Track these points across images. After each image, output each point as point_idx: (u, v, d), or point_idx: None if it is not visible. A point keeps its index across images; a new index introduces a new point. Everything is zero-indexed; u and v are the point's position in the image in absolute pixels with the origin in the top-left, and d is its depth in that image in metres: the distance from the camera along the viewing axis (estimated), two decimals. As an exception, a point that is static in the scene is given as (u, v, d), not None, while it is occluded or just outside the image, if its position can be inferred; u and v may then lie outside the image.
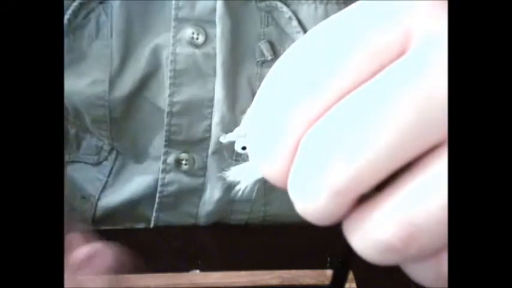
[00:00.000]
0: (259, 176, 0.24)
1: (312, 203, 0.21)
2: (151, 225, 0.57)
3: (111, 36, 0.49)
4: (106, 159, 0.57)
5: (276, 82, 0.22)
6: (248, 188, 0.25)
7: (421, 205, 0.20)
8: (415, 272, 0.22)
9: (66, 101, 0.52)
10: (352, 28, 0.21)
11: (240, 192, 0.25)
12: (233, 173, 0.25)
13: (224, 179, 0.25)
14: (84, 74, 0.50)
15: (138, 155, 0.56)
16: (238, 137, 0.25)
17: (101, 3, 0.49)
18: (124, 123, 0.53)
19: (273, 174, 0.22)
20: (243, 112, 0.24)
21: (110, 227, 0.58)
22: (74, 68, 0.50)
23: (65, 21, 0.48)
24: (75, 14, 0.49)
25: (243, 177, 0.25)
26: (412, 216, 0.20)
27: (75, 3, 0.48)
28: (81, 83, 0.51)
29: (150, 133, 0.54)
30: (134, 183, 0.57)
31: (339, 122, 0.20)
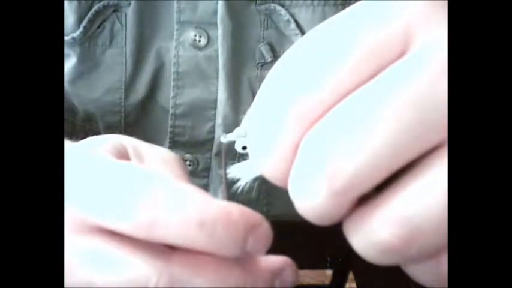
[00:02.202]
0: (258, 173, 0.24)
1: (311, 202, 0.21)
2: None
3: (125, 44, 0.50)
4: None
5: (275, 83, 0.22)
6: (248, 185, 0.25)
7: (422, 206, 0.20)
8: (416, 272, 0.22)
9: (80, 107, 0.52)
10: (351, 28, 0.21)
11: (240, 189, 0.25)
12: (233, 171, 0.25)
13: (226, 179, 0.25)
14: (99, 82, 0.51)
15: None
16: (238, 136, 0.25)
17: (114, 11, 0.49)
18: (137, 128, 0.54)
19: (272, 173, 0.22)
20: (245, 113, 0.24)
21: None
22: (88, 76, 0.51)
23: (81, 29, 0.49)
24: (91, 22, 0.49)
25: (243, 175, 0.25)
26: (413, 217, 0.20)
27: (91, 12, 0.49)
28: (96, 91, 0.51)
29: (161, 136, 0.54)
30: None
31: (339, 122, 0.20)
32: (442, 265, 0.21)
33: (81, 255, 0.24)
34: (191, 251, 0.24)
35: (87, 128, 0.54)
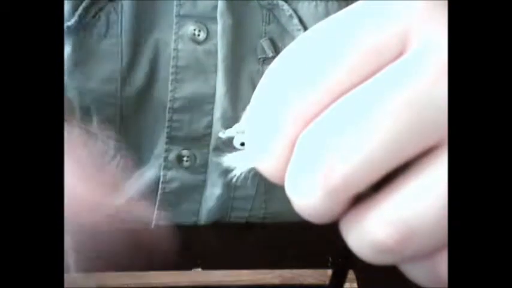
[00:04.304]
0: (253, 164, 0.24)
1: (307, 200, 0.21)
2: (153, 224, 0.57)
3: (121, 34, 0.50)
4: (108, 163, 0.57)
5: (274, 80, 0.22)
6: (243, 175, 0.25)
7: (417, 206, 0.20)
8: (411, 272, 0.22)
9: (75, 101, 0.52)
10: (350, 28, 0.21)
11: (235, 179, 0.25)
12: (229, 159, 0.25)
13: (225, 175, 0.25)
14: (95, 72, 0.51)
15: (142, 156, 0.56)
16: (237, 133, 0.25)
17: (110, 1, 0.49)
18: (132, 121, 0.54)
19: (270, 170, 0.22)
20: (245, 108, 0.24)
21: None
22: (83, 66, 0.50)
23: (76, 17, 0.49)
24: (86, 10, 0.49)
25: (238, 164, 0.25)
26: (408, 217, 0.20)
27: (86, 0, 0.48)
28: (92, 82, 0.51)
29: (156, 130, 0.54)
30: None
31: (336, 120, 0.20)
32: (437, 266, 0.21)
33: None
34: None
35: (83, 127, 0.54)
